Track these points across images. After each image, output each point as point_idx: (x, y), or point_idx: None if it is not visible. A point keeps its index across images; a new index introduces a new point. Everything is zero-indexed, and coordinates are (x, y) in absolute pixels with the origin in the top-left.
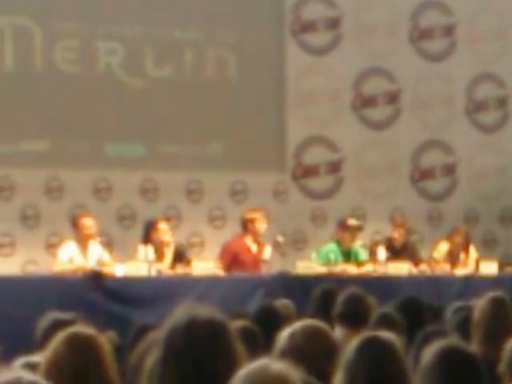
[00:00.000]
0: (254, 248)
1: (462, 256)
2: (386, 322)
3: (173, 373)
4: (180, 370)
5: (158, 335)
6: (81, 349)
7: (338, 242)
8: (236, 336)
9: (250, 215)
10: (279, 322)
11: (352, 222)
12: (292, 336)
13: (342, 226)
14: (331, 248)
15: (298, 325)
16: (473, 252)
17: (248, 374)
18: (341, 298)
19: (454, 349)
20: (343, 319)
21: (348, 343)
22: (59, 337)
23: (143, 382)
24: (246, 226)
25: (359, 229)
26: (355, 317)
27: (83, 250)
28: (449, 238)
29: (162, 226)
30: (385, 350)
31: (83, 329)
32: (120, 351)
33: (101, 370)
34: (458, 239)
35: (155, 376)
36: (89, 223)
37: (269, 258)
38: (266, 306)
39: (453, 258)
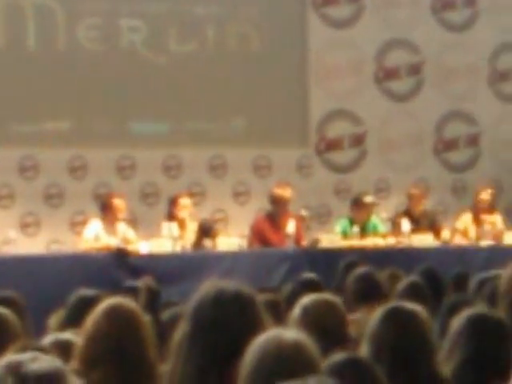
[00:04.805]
0: (281, 226)
1: (487, 226)
2: (413, 290)
3: (201, 346)
4: (208, 343)
5: (185, 309)
6: (122, 324)
7: (351, 219)
8: (263, 308)
9: (278, 192)
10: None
11: (368, 199)
12: (303, 310)
13: (358, 203)
14: (343, 224)
15: (308, 298)
16: (498, 218)
17: (263, 342)
18: (351, 277)
19: (483, 316)
20: (355, 297)
21: (363, 318)
22: (99, 310)
23: (171, 355)
24: (275, 203)
25: (375, 205)
26: (366, 294)
27: (110, 229)
28: (472, 206)
29: (184, 201)
30: (410, 320)
31: (124, 302)
32: None
33: (141, 348)
34: (483, 202)
35: (183, 349)
36: (121, 205)
37: (293, 232)
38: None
39: (478, 224)
